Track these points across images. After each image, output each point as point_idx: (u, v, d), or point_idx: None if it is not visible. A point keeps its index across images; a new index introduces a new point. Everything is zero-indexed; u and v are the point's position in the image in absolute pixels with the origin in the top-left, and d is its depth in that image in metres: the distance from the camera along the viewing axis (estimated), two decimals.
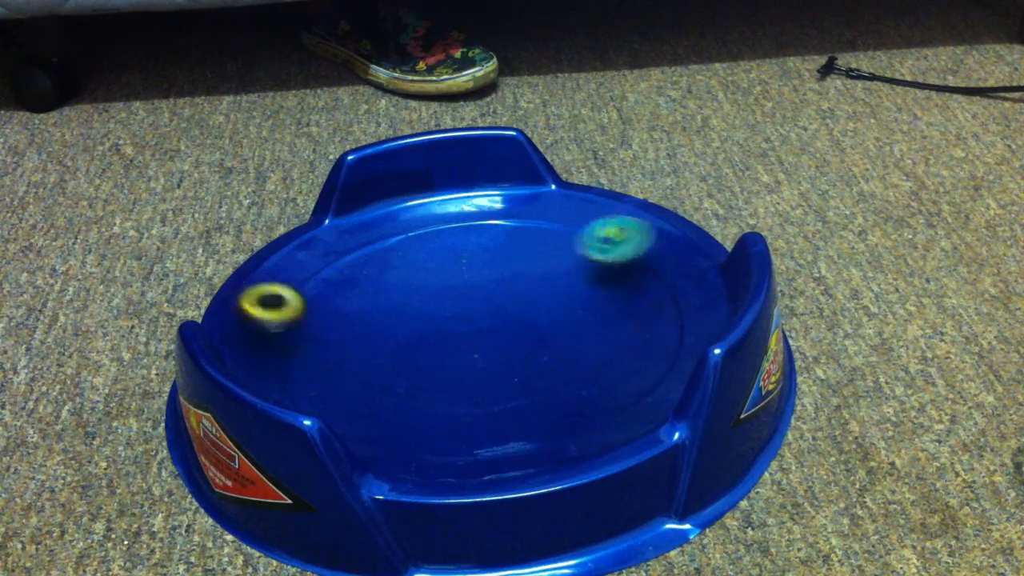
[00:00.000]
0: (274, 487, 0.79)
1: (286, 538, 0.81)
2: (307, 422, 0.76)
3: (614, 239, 0.98)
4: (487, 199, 1.12)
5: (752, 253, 0.91)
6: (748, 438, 0.86)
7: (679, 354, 0.92)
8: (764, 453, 0.87)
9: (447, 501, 0.77)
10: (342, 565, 0.79)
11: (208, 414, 0.82)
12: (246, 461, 0.80)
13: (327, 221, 1.09)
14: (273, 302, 0.93)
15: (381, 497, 0.77)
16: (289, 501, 0.79)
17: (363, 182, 1.08)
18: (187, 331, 0.85)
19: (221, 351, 0.89)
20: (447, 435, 0.87)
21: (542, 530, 0.78)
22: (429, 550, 0.78)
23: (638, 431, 0.81)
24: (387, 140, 1.10)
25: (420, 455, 0.84)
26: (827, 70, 1.42)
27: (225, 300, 0.98)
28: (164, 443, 0.90)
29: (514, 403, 0.90)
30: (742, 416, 0.83)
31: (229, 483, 0.82)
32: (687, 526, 0.81)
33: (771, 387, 0.86)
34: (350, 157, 1.07)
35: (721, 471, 0.84)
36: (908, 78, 1.40)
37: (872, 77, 1.40)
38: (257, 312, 0.93)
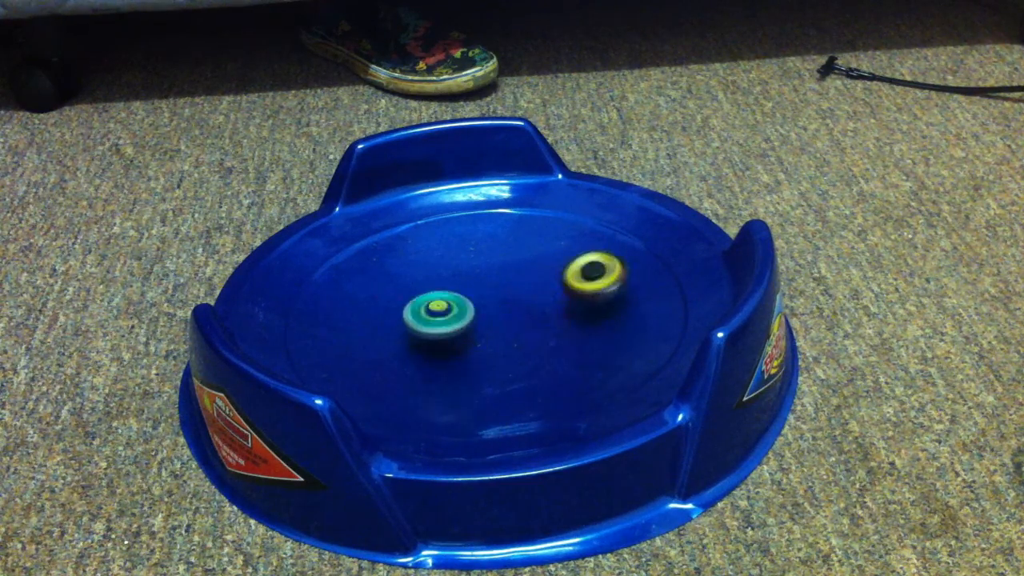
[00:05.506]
0: (286, 465, 0.80)
1: (297, 516, 0.82)
2: (319, 401, 0.77)
3: (438, 312, 0.93)
4: (495, 188, 1.13)
5: (756, 240, 0.92)
6: (750, 421, 0.87)
7: (683, 338, 0.93)
8: (766, 435, 0.88)
9: (455, 479, 0.78)
10: (352, 542, 0.81)
11: (221, 394, 0.83)
12: (259, 440, 0.81)
13: (338, 209, 1.10)
14: (595, 272, 0.96)
15: (391, 475, 0.78)
16: (300, 479, 0.80)
17: (373, 171, 1.10)
18: (200, 313, 0.87)
19: (233, 335, 0.89)
20: (455, 416, 0.89)
21: (548, 508, 0.80)
22: (437, 527, 0.80)
23: (642, 413, 0.82)
24: (397, 129, 1.11)
25: (429, 435, 0.86)
26: (827, 70, 1.42)
27: (237, 286, 0.99)
28: (164, 443, 0.90)
29: (521, 385, 0.91)
30: (744, 399, 0.84)
31: (242, 462, 0.83)
32: (690, 506, 0.83)
33: (773, 371, 0.87)
34: (360, 146, 1.09)
35: (724, 452, 0.85)
36: (908, 78, 1.40)
37: (872, 77, 1.40)
38: (583, 285, 0.95)
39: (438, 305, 0.93)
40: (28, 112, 1.39)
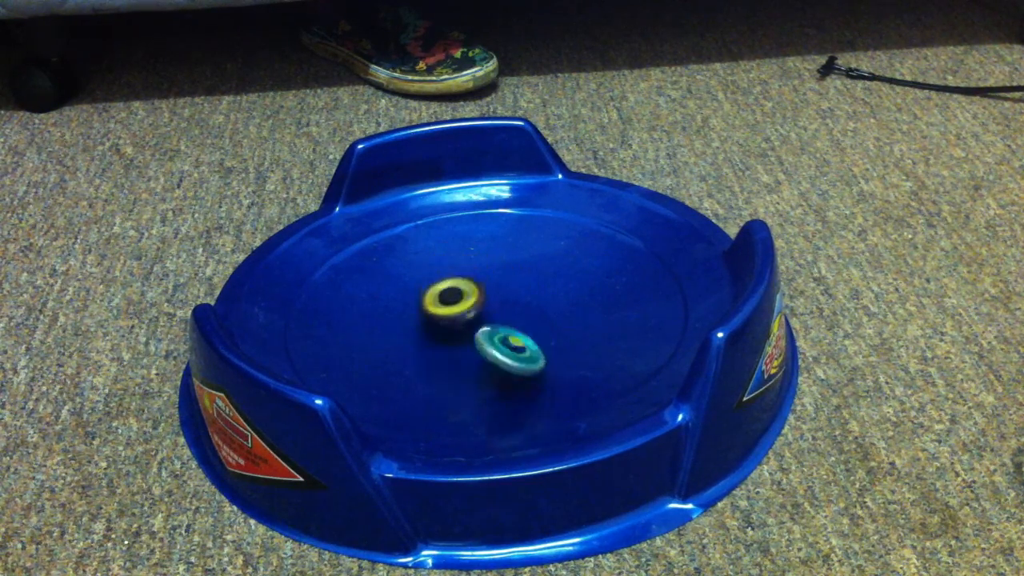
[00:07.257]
0: (286, 465, 0.80)
1: (297, 516, 0.82)
2: (319, 401, 0.77)
3: (519, 349, 0.90)
4: (495, 188, 1.13)
5: (756, 240, 0.92)
6: (750, 421, 0.87)
7: (683, 338, 0.93)
8: (766, 435, 0.88)
9: (455, 479, 0.78)
10: (352, 542, 0.81)
11: (221, 394, 0.83)
12: (259, 440, 0.81)
13: (337, 209, 1.10)
14: (452, 297, 0.96)
15: (390, 475, 0.78)
16: (300, 479, 0.80)
17: (373, 171, 1.10)
18: (200, 313, 0.87)
19: (233, 335, 0.90)
20: (455, 416, 0.89)
21: (548, 508, 0.80)
22: (437, 527, 0.80)
23: (642, 413, 0.82)
24: (397, 129, 1.11)
25: (429, 435, 0.86)
26: (827, 70, 1.42)
27: (237, 286, 0.99)
28: (164, 443, 0.90)
29: (521, 385, 0.91)
30: (744, 399, 0.84)
31: (242, 462, 0.83)
32: (690, 506, 0.83)
33: (773, 371, 0.87)
34: (360, 146, 1.09)
35: (723, 452, 0.85)
36: (908, 78, 1.40)
37: (872, 77, 1.40)
38: (440, 310, 0.95)
39: (516, 341, 0.90)
40: (28, 112, 1.39)
